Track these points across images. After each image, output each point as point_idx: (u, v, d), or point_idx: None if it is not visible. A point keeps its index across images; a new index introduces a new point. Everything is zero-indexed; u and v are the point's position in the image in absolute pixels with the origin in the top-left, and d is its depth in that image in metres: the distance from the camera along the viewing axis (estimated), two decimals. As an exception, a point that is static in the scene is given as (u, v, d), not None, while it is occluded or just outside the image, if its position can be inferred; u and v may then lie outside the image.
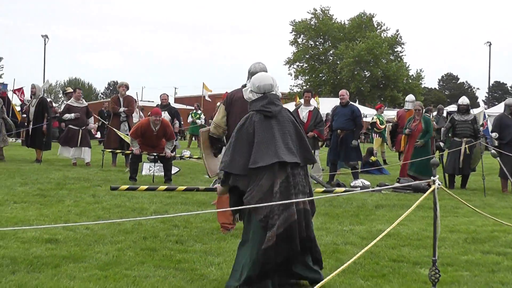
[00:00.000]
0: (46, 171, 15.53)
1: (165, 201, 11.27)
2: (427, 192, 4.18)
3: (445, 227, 9.59)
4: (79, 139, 17.59)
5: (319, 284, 3.94)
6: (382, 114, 22.93)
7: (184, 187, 6.97)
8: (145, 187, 6.84)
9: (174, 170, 15.87)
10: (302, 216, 5.66)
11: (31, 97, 20.83)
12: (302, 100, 15.61)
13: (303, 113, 15.26)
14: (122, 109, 17.52)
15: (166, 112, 17.64)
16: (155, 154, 14.27)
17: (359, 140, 15.68)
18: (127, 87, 17.89)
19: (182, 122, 19.96)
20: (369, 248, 7.61)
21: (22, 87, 36.20)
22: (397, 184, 14.13)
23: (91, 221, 9.07)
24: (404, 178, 14.61)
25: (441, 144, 15.30)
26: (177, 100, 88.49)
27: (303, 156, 5.84)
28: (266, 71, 8.69)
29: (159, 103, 18.87)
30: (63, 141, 17.83)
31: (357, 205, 11.51)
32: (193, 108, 32.82)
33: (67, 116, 17.82)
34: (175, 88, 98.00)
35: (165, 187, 6.50)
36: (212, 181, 13.50)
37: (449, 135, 15.18)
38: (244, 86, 8.75)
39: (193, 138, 32.30)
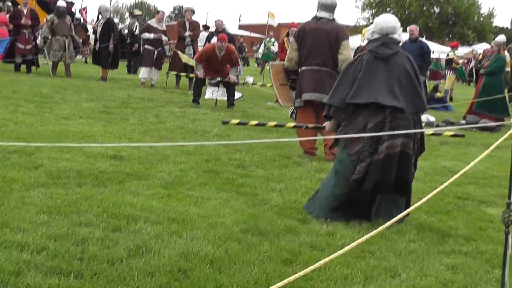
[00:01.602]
0: (111, 89, 15.69)
1: (227, 125, 11.26)
2: (508, 133, 3.95)
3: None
4: (154, 59, 17.61)
5: (392, 220, 3.83)
6: (456, 52, 22.35)
7: (293, 124, 7.16)
8: (255, 122, 7.03)
9: (237, 95, 15.81)
10: (397, 158, 5.64)
11: (98, 17, 20.99)
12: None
13: None
14: (187, 33, 17.49)
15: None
16: (219, 78, 14.22)
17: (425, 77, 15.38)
18: (193, 12, 17.91)
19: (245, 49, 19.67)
20: (435, 185, 7.54)
21: (86, 7, 36.43)
22: (464, 124, 13.82)
23: (154, 140, 9.14)
24: (471, 116, 14.25)
25: None
26: (241, 27, 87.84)
27: (411, 103, 5.73)
28: (336, 3, 8.76)
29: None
30: (143, 62, 17.90)
31: (421, 141, 11.29)
32: (257, 35, 33.12)
33: (146, 35, 17.91)
34: (240, 15, 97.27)
35: (274, 123, 7.07)
36: (273, 107, 13.45)
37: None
38: (315, 17, 8.78)
39: (266, 65, 32.29)
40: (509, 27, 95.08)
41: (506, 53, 18.63)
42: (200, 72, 13.95)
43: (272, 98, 16.52)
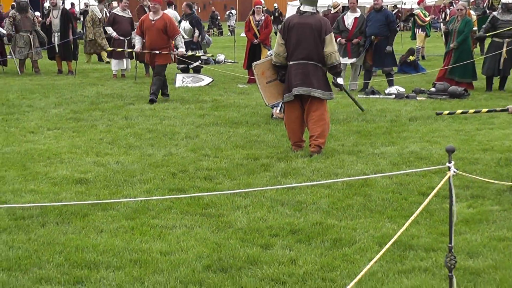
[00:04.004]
0: (80, 86, 15.60)
1: (196, 121, 11.25)
2: (443, 180, 3.95)
3: (479, 144, 9.39)
4: (125, 49, 17.01)
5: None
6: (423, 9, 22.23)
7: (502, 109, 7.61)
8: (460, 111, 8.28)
9: (207, 80, 15.81)
10: None
11: (48, 8, 20.57)
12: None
13: (349, 20, 14.85)
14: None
15: (187, 21, 17.10)
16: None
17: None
18: None
19: (204, 34, 19.03)
20: (399, 176, 7.58)
21: None
22: (434, 92, 13.86)
23: (122, 152, 9.12)
24: (440, 83, 14.25)
25: (482, 35, 14.77)
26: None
27: None
28: None
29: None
30: (114, 54, 17.18)
31: (390, 119, 11.31)
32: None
33: (110, 30, 17.24)
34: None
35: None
36: (244, 91, 13.39)
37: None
38: (299, 11, 9.07)
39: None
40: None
41: (471, 12, 18.60)
42: (138, 46, 13.50)
43: (244, 79, 16.49)
